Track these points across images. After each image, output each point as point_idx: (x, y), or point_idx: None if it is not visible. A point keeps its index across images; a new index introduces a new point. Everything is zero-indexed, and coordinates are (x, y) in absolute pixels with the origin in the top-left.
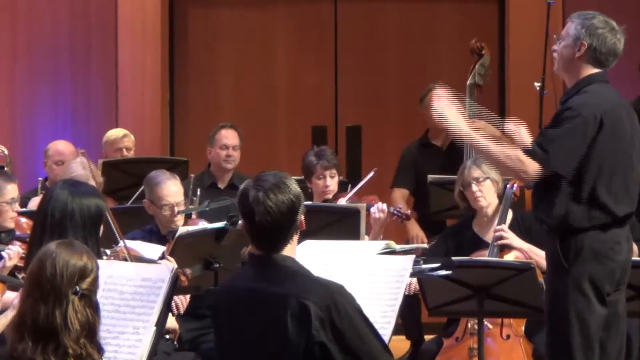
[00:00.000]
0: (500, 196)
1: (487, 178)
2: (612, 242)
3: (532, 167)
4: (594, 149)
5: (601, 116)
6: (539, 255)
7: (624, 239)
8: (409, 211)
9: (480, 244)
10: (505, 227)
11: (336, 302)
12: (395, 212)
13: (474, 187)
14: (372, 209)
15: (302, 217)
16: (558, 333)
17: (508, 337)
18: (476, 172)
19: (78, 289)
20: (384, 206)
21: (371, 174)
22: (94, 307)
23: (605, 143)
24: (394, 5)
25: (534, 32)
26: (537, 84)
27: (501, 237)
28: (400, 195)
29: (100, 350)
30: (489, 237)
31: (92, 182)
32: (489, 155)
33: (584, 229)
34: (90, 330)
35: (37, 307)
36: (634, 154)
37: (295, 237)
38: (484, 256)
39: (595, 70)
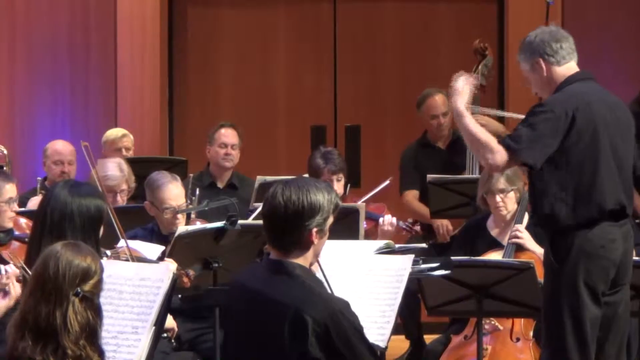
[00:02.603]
0: (519, 199)
1: (512, 190)
2: (604, 240)
3: (500, 155)
4: (570, 146)
5: (573, 112)
6: None
7: (620, 237)
8: (418, 227)
9: (496, 246)
10: (521, 227)
11: (335, 320)
12: (405, 226)
13: (498, 198)
14: (380, 220)
15: (314, 231)
16: (553, 333)
17: (518, 339)
18: (502, 184)
19: (79, 290)
20: (394, 220)
21: (386, 182)
22: (96, 310)
23: (581, 139)
24: (393, 5)
25: None
26: None
27: (516, 237)
28: (413, 196)
29: (101, 353)
30: (505, 240)
31: (124, 186)
32: (469, 133)
33: (571, 227)
34: (91, 332)
35: (38, 306)
36: (621, 151)
37: (308, 251)
38: (496, 257)
39: (569, 71)
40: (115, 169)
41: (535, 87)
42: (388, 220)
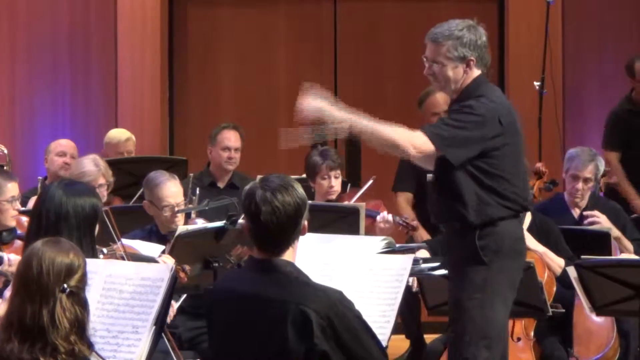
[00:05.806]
0: None
1: None
2: (522, 235)
3: (424, 145)
4: (497, 149)
5: (499, 117)
6: (552, 260)
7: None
8: (416, 222)
9: None
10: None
11: (337, 309)
12: (402, 222)
13: None
14: (377, 218)
15: (306, 223)
16: (464, 325)
17: (519, 339)
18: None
19: (66, 287)
20: (390, 217)
21: (370, 182)
22: (83, 304)
23: (506, 143)
24: (393, 5)
25: (533, 32)
26: (536, 84)
27: None
28: (405, 199)
29: (90, 346)
30: None
31: (101, 181)
32: (377, 133)
33: (501, 221)
34: (80, 327)
35: (23, 306)
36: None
37: (297, 243)
38: None
39: (477, 72)
40: (90, 165)
41: (442, 78)
42: (384, 217)
